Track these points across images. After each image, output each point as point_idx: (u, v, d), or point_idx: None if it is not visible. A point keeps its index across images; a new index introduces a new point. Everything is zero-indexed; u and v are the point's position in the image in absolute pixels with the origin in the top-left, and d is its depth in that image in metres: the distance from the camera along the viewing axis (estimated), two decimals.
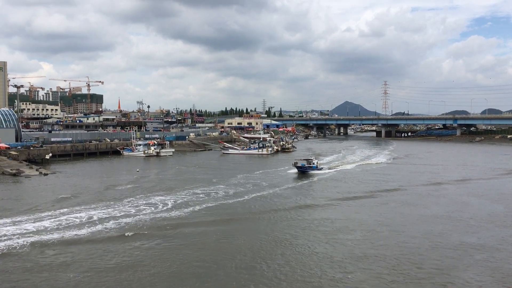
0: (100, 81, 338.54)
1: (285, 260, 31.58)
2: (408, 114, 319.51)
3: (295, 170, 78.01)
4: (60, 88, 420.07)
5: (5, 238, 36.35)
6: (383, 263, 30.98)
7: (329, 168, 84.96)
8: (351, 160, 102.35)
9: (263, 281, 27.93)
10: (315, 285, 27.39)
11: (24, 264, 30.58)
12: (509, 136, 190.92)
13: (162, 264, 30.60)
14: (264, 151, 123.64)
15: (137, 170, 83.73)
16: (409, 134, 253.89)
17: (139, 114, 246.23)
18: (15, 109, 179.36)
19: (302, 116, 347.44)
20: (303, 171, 77.10)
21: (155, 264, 30.51)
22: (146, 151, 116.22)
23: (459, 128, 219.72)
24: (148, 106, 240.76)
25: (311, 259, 31.91)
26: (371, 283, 27.53)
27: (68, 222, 41.65)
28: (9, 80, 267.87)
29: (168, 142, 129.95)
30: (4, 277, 28.49)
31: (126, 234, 37.41)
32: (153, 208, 47.63)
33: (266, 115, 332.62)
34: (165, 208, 47.89)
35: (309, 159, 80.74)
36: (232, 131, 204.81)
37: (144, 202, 51.25)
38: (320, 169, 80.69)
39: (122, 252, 33.13)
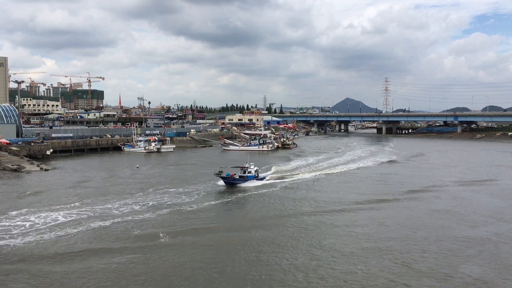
0: (100, 77, 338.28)
1: (297, 252, 32.44)
2: (409, 111, 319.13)
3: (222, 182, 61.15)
4: (61, 84, 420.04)
5: (29, 230, 37.23)
6: (390, 255, 31.82)
7: (282, 177, 68.83)
8: (338, 162, 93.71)
9: (277, 270, 28.94)
10: (325, 275, 28.08)
11: (54, 255, 31.39)
12: (510, 133, 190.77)
13: (178, 258, 31.16)
14: (265, 148, 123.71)
15: (137, 166, 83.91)
16: (410, 131, 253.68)
17: (140, 110, 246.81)
18: (16, 104, 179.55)
19: (303, 113, 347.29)
20: (231, 183, 60.39)
21: (174, 258, 31.14)
22: (147, 147, 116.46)
23: (460, 125, 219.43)
24: (149, 102, 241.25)
25: (322, 252, 32.69)
26: (378, 274, 28.21)
27: (81, 215, 42.26)
28: (10, 75, 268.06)
29: (168, 138, 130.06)
30: (34, 267, 29.09)
31: (139, 230, 37.79)
32: (160, 203, 48.14)
33: (267, 112, 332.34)
34: (170, 203, 48.26)
35: (245, 167, 62.92)
36: (233, 127, 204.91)
37: (151, 197, 51.86)
38: (262, 179, 64.02)
39: (147, 246, 33.63)
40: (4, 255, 31.42)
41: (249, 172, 62.20)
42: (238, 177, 61.30)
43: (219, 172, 60.71)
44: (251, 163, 64.27)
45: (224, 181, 60.40)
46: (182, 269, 29.18)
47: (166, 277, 27.75)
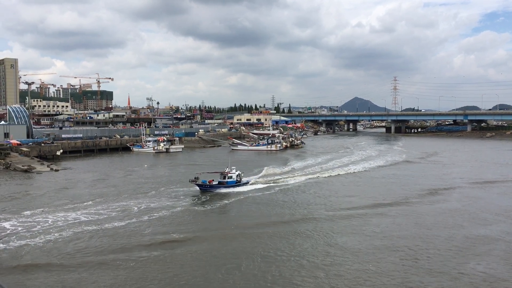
0: (110, 78, 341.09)
1: (309, 251, 32.55)
2: (418, 110, 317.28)
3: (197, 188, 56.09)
4: (71, 85, 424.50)
5: (43, 230, 37.48)
6: (402, 253, 31.92)
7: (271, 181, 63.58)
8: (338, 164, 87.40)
9: (289, 268, 29.10)
10: (337, 274, 28.18)
11: (70, 255, 31.63)
12: None
13: (193, 260, 31.11)
14: (273, 147, 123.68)
15: (145, 165, 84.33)
16: (419, 130, 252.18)
17: (149, 111, 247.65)
18: (26, 105, 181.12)
19: (312, 112, 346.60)
20: (207, 190, 55.37)
21: (189, 259, 31.17)
22: (155, 148, 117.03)
23: (470, 124, 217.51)
24: (158, 103, 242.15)
25: (334, 250, 32.80)
26: (390, 273, 28.30)
27: (94, 215, 42.52)
28: (20, 77, 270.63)
29: (177, 138, 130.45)
30: (50, 268, 29.25)
31: (154, 230, 37.93)
32: (174, 203, 48.49)
33: (275, 111, 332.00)
34: (184, 204, 48.58)
35: (225, 172, 57.76)
36: (241, 127, 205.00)
37: (163, 197, 52.28)
38: (246, 183, 59.22)
39: (163, 246, 33.71)
40: (21, 256, 31.59)
41: (230, 177, 57.26)
42: (217, 183, 56.75)
43: (194, 178, 55.76)
44: (232, 167, 59.43)
45: (200, 188, 55.65)
46: (198, 269, 29.28)
47: (182, 277, 27.88)
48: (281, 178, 66.77)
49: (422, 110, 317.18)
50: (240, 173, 59.79)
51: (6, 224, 39.28)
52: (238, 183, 57.84)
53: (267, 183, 61.92)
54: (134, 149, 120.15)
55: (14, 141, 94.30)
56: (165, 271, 28.67)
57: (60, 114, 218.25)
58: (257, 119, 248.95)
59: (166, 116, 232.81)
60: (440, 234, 36.82)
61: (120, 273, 28.24)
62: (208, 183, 56.09)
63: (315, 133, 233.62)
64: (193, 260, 30.73)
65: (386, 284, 26.58)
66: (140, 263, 29.93)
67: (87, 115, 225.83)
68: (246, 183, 59.55)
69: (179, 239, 35.45)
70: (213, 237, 36.37)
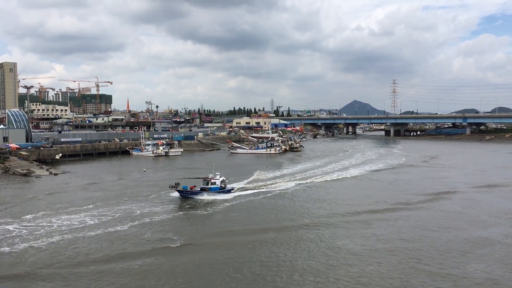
0: (109, 82, 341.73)
1: (308, 254, 32.50)
2: (417, 113, 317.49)
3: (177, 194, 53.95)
4: (70, 89, 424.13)
5: (44, 234, 37.48)
6: (402, 256, 31.94)
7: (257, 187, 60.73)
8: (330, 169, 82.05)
9: (290, 271, 29.15)
10: (338, 276, 28.17)
11: (72, 259, 31.60)
12: None
13: (195, 263, 31.11)
14: (272, 151, 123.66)
15: (144, 170, 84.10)
16: (418, 133, 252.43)
17: (148, 114, 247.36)
18: (25, 109, 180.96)
19: (311, 116, 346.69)
20: (187, 196, 52.97)
21: (192, 261, 31.18)
22: (155, 151, 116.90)
23: (469, 127, 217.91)
24: (157, 106, 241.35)
25: (334, 253, 32.80)
26: (391, 275, 28.30)
27: (94, 219, 42.47)
28: (19, 81, 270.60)
29: (176, 142, 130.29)
30: (53, 272, 29.16)
31: (155, 234, 37.84)
32: (175, 206, 48.54)
33: (274, 115, 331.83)
34: (187, 206, 48.70)
35: (208, 178, 55.43)
36: (241, 130, 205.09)
37: (164, 200, 52.35)
38: (229, 191, 55.85)
39: (165, 250, 33.64)
40: (24, 261, 31.42)
41: (213, 184, 54.54)
42: (199, 189, 53.94)
43: (175, 184, 53.63)
44: (216, 173, 56.92)
45: (180, 195, 53.24)
46: (200, 273, 29.20)
47: (184, 280, 27.81)
48: (280, 182, 65.89)
49: (438, 113, 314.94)
50: (224, 179, 56.88)
51: (8, 228, 39.26)
52: (222, 190, 55.11)
53: (254, 189, 59.22)
54: (133, 152, 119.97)
55: (13, 145, 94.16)
56: (167, 275, 28.54)
57: (59, 118, 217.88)
58: (256, 123, 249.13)
59: (165, 119, 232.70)
60: (440, 236, 36.83)
61: (122, 279, 28.09)
62: (189, 189, 53.54)
63: (314, 136, 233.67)
64: (196, 265, 30.58)
65: (387, 287, 26.53)
66: (142, 269, 29.76)
67: (86, 118, 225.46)
68: (231, 190, 56.64)
69: (182, 243, 35.24)
70: (215, 241, 36.17)
